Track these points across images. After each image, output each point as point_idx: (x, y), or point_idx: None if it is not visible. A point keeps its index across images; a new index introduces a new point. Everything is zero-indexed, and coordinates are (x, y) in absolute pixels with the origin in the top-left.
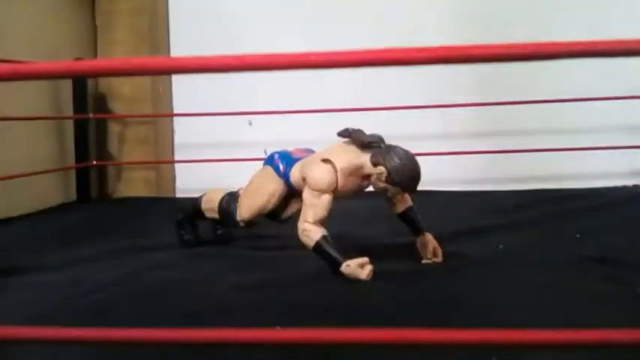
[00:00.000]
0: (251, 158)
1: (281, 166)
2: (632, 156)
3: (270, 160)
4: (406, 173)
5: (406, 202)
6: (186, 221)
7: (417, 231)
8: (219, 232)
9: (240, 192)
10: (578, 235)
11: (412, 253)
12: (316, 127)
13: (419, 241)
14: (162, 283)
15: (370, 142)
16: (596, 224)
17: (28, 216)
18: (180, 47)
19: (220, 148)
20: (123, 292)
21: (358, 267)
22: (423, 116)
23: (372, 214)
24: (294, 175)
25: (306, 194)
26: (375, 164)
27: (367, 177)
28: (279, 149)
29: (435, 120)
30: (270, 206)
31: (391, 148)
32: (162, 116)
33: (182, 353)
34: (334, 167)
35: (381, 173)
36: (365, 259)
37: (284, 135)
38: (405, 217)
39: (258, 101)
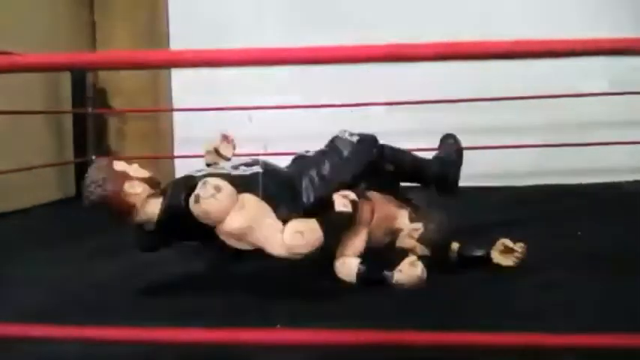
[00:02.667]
0: (251, 154)
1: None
2: (634, 151)
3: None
4: (439, 237)
5: None
6: None
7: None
8: None
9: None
10: (579, 233)
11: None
12: (317, 122)
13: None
14: (162, 280)
15: (410, 199)
16: (598, 221)
17: (26, 211)
18: (180, 41)
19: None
20: (122, 288)
21: (410, 267)
22: (422, 112)
23: None
24: None
25: None
26: (412, 220)
27: (395, 231)
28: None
29: (434, 115)
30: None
31: (430, 211)
32: (161, 111)
33: (181, 352)
34: (373, 207)
35: (416, 230)
36: (412, 258)
37: (284, 130)
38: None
39: (259, 96)
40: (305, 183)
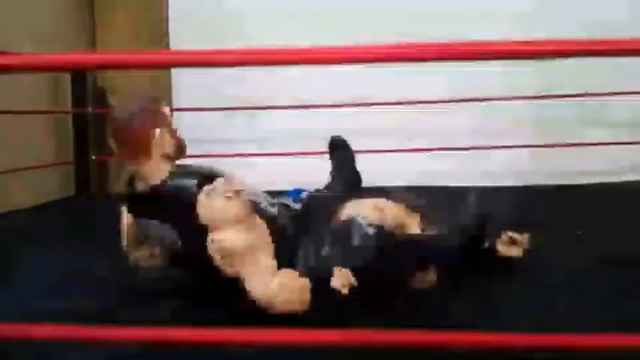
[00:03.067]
0: (253, 154)
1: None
2: (633, 151)
3: (295, 196)
4: (450, 246)
5: None
6: None
7: None
8: None
9: None
10: (579, 232)
11: None
12: (320, 122)
13: None
14: (162, 279)
15: (421, 207)
16: (597, 220)
17: (26, 210)
18: (180, 41)
19: (220, 143)
20: (122, 288)
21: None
22: (424, 112)
23: None
24: None
25: None
26: (423, 230)
27: None
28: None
29: (434, 115)
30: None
31: (441, 218)
32: None
33: (184, 352)
34: (384, 218)
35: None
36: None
37: (287, 130)
38: None
39: (261, 96)
40: (301, 254)
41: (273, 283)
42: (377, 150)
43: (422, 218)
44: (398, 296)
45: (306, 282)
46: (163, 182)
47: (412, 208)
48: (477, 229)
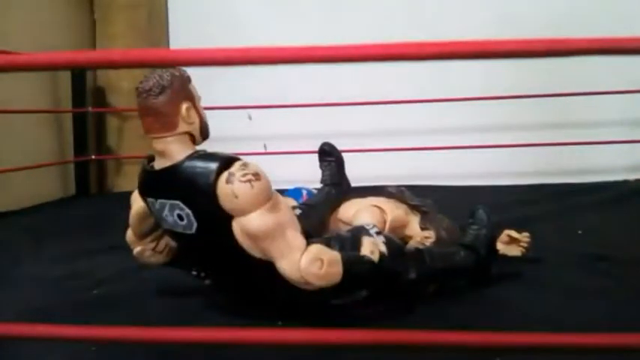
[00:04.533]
0: (251, 153)
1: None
2: (633, 150)
3: (295, 194)
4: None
5: None
6: None
7: None
8: None
9: None
10: (580, 232)
11: None
12: (316, 121)
13: None
14: (162, 279)
15: (420, 206)
16: (598, 220)
17: (26, 210)
18: (179, 41)
19: (219, 142)
20: (122, 287)
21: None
22: (428, 110)
23: None
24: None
25: None
26: (423, 228)
27: (406, 238)
28: (300, 183)
29: (436, 114)
30: None
31: (440, 217)
32: None
33: (181, 351)
34: (385, 217)
35: (427, 238)
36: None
37: (284, 129)
38: None
39: (258, 95)
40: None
41: (305, 258)
42: (377, 149)
43: (422, 217)
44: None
45: (337, 254)
46: (183, 161)
47: (412, 207)
48: (493, 240)
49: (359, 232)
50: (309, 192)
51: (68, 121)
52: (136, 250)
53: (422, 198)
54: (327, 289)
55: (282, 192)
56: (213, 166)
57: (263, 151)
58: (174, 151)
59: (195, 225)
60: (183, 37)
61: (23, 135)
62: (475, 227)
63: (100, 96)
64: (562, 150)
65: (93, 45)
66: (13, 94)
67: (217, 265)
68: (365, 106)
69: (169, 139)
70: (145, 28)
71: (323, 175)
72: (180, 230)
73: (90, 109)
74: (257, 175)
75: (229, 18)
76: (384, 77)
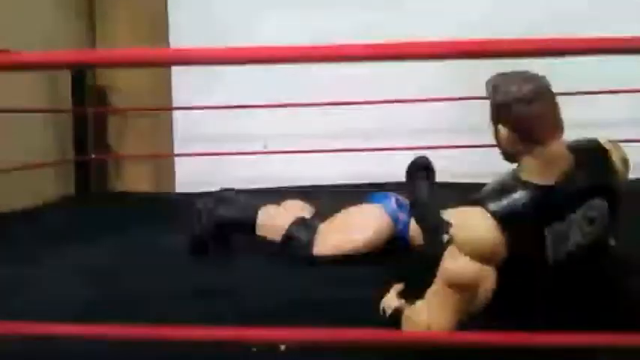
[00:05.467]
0: (251, 152)
1: (400, 215)
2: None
3: (380, 200)
4: None
5: None
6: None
7: None
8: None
9: (323, 224)
10: None
11: None
12: (318, 120)
13: None
14: (163, 279)
15: None
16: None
17: (25, 210)
18: (180, 41)
19: (220, 141)
20: (121, 287)
21: None
22: (430, 110)
23: None
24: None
25: None
26: None
27: None
28: (380, 190)
29: (442, 113)
30: (366, 250)
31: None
32: (161, 110)
33: (182, 351)
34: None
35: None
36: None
37: (285, 129)
38: None
39: (259, 94)
40: None
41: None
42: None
43: None
44: None
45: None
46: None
47: None
48: None
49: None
50: (398, 199)
51: (68, 121)
52: None
53: None
54: None
55: (365, 196)
56: None
57: (263, 150)
58: (537, 169)
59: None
60: (183, 37)
61: (23, 135)
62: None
63: (100, 96)
64: None
65: (93, 44)
66: (13, 94)
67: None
68: (368, 106)
69: (535, 154)
70: (145, 27)
71: (418, 191)
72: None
73: (90, 108)
74: None
75: (229, 18)
76: (384, 75)
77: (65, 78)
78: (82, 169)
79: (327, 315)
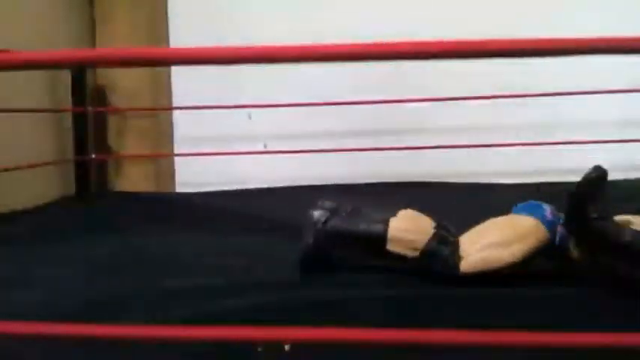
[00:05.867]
0: (252, 152)
1: (559, 228)
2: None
3: (532, 210)
4: None
5: None
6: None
7: None
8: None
9: (460, 238)
10: None
11: None
12: (318, 119)
13: None
14: (163, 279)
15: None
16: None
17: (26, 210)
18: (180, 40)
19: (221, 141)
20: (121, 287)
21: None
22: (436, 109)
23: None
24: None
25: None
26: None
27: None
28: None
29: (447, 113)
30: (519, 266)
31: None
32: (162, 110)
33: (182, 351)
34: None
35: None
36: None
37: (286, 128)
38: None
39: (260, 93)
40: None
41: None
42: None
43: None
44: None
45: None
46: None
47: None
48: None
49: None
50: (552, 209)
51: (68, 120)
52: None
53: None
54: None
55: (511, 206)
56: None
57: (263, 149)
58: None
59: None
60: (183, 36)
61: (23, 134)
62: None
63: (101, 95)
64: (561, 149)
65: (93, 44)
66: (12, 94)
67: None
68: (368, 105)
69: None
70: (146, 26)
71: (598, 203)
72: None
73: (90, 108)
74: None
75: (230, 17)
76: (382, 75)
77: (65, 78)
78: (82, 169)
79: None
